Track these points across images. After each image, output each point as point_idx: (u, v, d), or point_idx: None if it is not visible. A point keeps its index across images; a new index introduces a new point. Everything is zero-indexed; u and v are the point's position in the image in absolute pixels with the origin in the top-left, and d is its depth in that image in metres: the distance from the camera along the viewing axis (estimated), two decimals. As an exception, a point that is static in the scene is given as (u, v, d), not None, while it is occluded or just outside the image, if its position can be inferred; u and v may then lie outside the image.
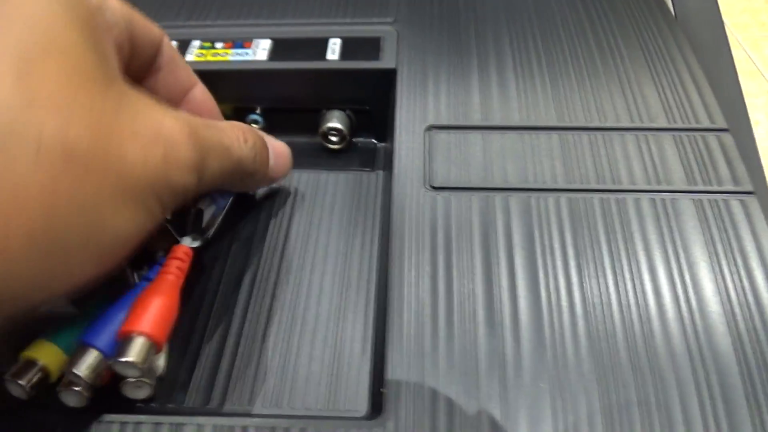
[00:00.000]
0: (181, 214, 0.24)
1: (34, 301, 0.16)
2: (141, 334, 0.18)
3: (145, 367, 0.18)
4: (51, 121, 0.15)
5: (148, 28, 0.22)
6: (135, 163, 0.17)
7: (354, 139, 0.32)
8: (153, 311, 0.19)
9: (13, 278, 0.15)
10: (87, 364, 0.19)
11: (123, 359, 0.18)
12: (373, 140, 0.32)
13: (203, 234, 0.24)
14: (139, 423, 0.19)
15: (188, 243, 0.23)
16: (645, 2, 0.35)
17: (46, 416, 0.19)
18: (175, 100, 0.24)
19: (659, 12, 0.34)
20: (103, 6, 0.19)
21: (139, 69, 0.22)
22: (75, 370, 0.18)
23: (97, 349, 0.19)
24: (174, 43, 0.27)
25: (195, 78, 0.25)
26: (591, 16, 0.34)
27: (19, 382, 0.19)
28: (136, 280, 0.22)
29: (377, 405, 0.20)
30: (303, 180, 0.29)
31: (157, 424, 0.19)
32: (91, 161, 0.16)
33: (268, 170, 0.24)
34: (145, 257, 0.23)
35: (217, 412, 0.21)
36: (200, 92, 0.25)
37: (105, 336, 0.19)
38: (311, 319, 0.23)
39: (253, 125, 0.31)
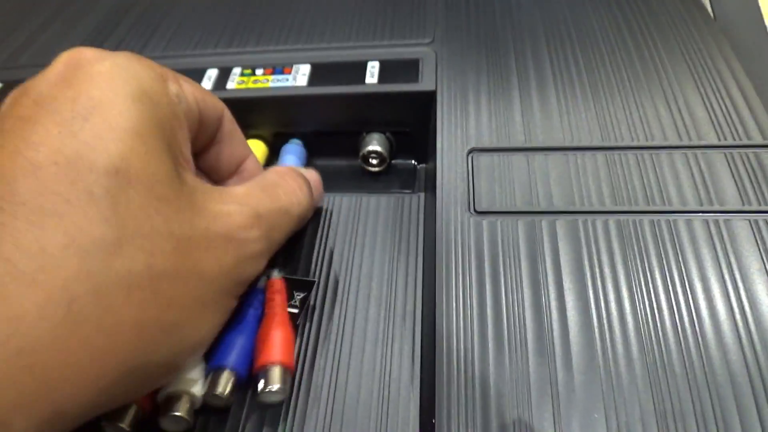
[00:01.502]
0: None
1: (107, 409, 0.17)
2: (278, 363, 0.21)
3: (286, 390, 0.21)
4: (139, 257, 0.16)
5: (212, 102, 0.22)
6: (212, 273, 0.18)
7: (393, 161, 0.32)
8: (282, 342, 0.22)
9: (101, 404, 0.16)
10: (224, 384, 0.21)
11: (269, 388, 0.21)
12: (413, 161, 0.32)
13: (284, 266, 0.26)
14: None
15: (276, 275, 0.25)
16: (686, 10, 0.34)
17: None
18: (231, 171, 0.25)
19: (701, 20, 0.33)
20: (180, 95, 0.20)
21: (203, 143, 0.23)
22: (216, 392, 0.20)
23: (234, 370, 0.21)
24: (213, 74, 0.27)
25: (249, 149, 0.25)
26: (631, 28, 0.33)
27: (120, 425, 0.20)
28: None
29: (427, 434, 0.20)
30: (344, 204, 0.29)
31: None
32: (173, 286, 0.17)
33: (314, 206, 0.26)
34: None
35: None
36: (252, 163, 0.25)
37: (238, 359, 0.21)
38: (358, 346, 0.23)
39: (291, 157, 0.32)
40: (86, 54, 0.18)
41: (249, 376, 0.22)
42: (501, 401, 0.19)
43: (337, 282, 0.26)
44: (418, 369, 0.22)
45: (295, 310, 0.24)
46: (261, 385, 0.21)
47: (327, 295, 0.25)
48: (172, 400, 0.20)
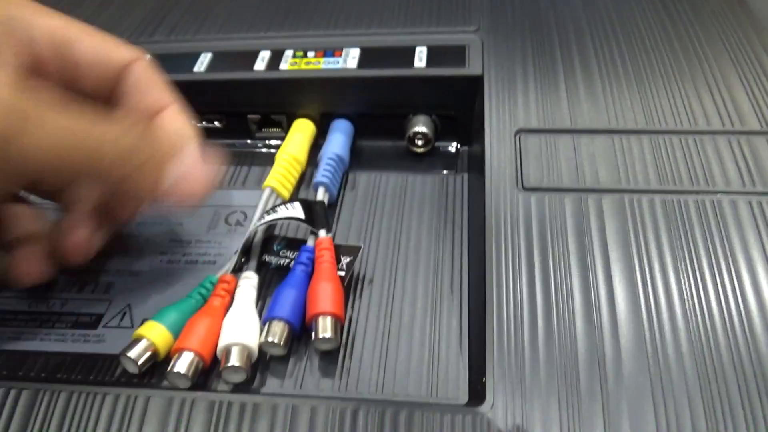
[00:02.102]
0: (309, 210, 0.26)
1: None
2: (329, 314, 0.22)
3: (338, 338, 0.23)
4: None
5: (99, 53, 0.22)
6: None
7: (436, 143, 0.33)
8: (332, 295, 0.23)
9: None
10: (279, 333, 0.22)
11: (322, 335, 0.22)
12: (456, 144, 0.33)
13: (329, 224, 0.26)
14: (258, 404, 0.20)
15: (324, 234, 0.25)
16: (726, 2, 0.35)
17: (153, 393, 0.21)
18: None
19: (741, 11, 0.34)
20: (13, 21, 0.20)
21: (96, 89, 0.23)
22: (272, 340, 0.22)
23: (288, 322, 0.23)
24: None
25: (167, 98, 0.23)
26: (672, 17, 0.34)
27: (130, 356, 0.21)
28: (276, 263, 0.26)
29: (477, 394, 0.21)
30: (391, 182, 0.31)
31: (274, 405, 0.20)
32: None
33: (153, 185, 0.21)
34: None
35: (324, 396, 0.22)
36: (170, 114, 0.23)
37: (291, 311, 0.23)
38: (407, 315, 0.24)
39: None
40: None
41: (302, 327, 0.23)
42: (551, 365, 0.20)
43: (386, 254, 0.27)
44: (465, 335, 0.23)
45: (342, 273, 0.25)
46: (314, 333, 0.22)
47: (377, 266, 0.26)
48: (230, 351, 0.22)
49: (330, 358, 0.23)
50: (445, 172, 0.31)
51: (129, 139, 0.20)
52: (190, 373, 0.21)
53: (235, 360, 0.22)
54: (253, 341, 0.22)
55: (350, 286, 0.26)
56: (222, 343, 0.22)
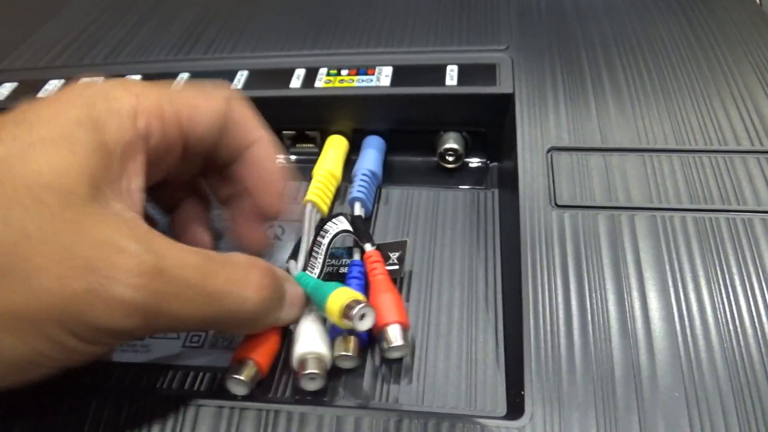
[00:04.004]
0: (355, 225, 0.27)
1: None
2: (397, 323, 0.23)
3: (408, 345, 0.23)
4: None
5: (204, 128, 0.22)
6: (40, 288, 0.16)
7: (466, 159, 0.34)
8: (395, 303, 0.24)
9: None
10: (353, 347, 0.23)
11: (395, 344, 0.23)
12: (485, 160, 0.34)
13: (371, 238, 0.27)
14: (304, 413, 0.21)
15: (369, 248, 0.27)
16: (749, 17, 0.35)
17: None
18: (233, 156, 0.24)
19: (763, 24, 0.34)
20: (149, 131, 0.20)
21: (205, 143, 0.23)
22: (344, 352, 0.23)
23: (357, 335, 0.23)
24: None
25: (258, 132, 0.24)
26: (698, 35, 0.35)
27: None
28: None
29: (515, 406, 0.22)
30: (423, 197, 0.31)
31: (320, 416, 0.21)
32: None
33: (275, 320, 0.23)
34: None
35: (369, 407, 0.23)
36: (261, 149, 0.24)
37: None
38: (444, 327, 0.25)
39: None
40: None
41: (369, 338, 0.24)
42: (587, 379, 0.21)
43: (420, 267, 0.28)
44: (502, 349, 0.24)
45: (396, 266, 0.26)
46: (386, 342, 0.23)
47: (413, 279, 0.27)
48: (306, 361, 0.23)
49: (371, 370, 0.24)
50: (474, 187, 0.32)
51: (268, 297, 0.21)
52: (250, 380, 0.22)
53: (313, 368, 0.22)
54: (327, 350, 0.23)
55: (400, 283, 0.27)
56: (301, 350, 0.23)
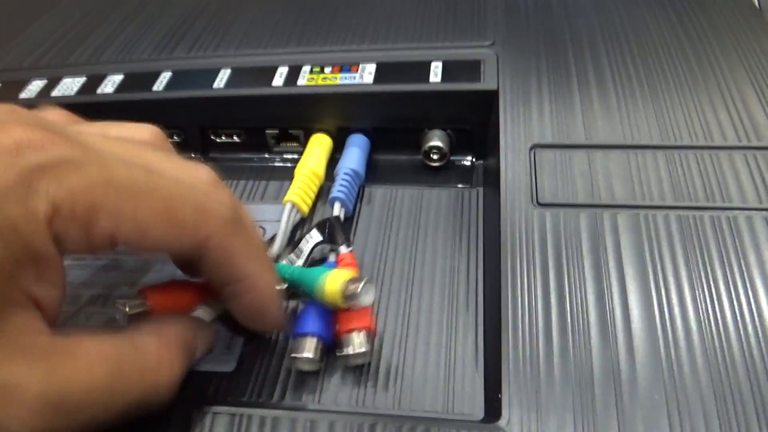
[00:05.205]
0: (327, 227, 0.27)
1: None
2: (362, 328, 0.23)
3: (370, 352, 0.23)
4: None
5: (172, 243, 0.20)
6: None
7: (451, 157, 0.33)
8: (359, 309, 0.23)
9: None
10: (314, 349, 0.23)
11: (357, 351, 0.22)
12: (471, 158, 0.33)
13: (348, 239, 0.27)
14: (277, 417, 0.21)
15: (344, 250, 0.26)
16: (740, 11, 0.35)
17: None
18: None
19: (755, 22, 0.34)
20: (61, 235, 0.17)
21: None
22: (306, 355, 0.23)
23: (321, 337, 0.23)
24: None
25: (244, 272, 0.21)
26: (687, 30, 0.34)
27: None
28: None
29: (493, 410, 0.21)
30: (407, 195, 0.31)
31: (293, 419, 0.21)
32: None
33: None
34: None
35: (342, 411, 0.22)
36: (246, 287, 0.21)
37: (322, 326, 0.23)
38: (423, 329, 0.25)
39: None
40: None
41: (333, 341, 0.24)
42: (566, 380, 0.20)
43: (402, 268, 0.27)
44: (481, 350, 0.24)
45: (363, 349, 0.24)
46: (349, 348, 0.23)
47: (393, 280, 0.27)
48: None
49: (347, 372, 0.24)
50: (460, 185, 0.32)
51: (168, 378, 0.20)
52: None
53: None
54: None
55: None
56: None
